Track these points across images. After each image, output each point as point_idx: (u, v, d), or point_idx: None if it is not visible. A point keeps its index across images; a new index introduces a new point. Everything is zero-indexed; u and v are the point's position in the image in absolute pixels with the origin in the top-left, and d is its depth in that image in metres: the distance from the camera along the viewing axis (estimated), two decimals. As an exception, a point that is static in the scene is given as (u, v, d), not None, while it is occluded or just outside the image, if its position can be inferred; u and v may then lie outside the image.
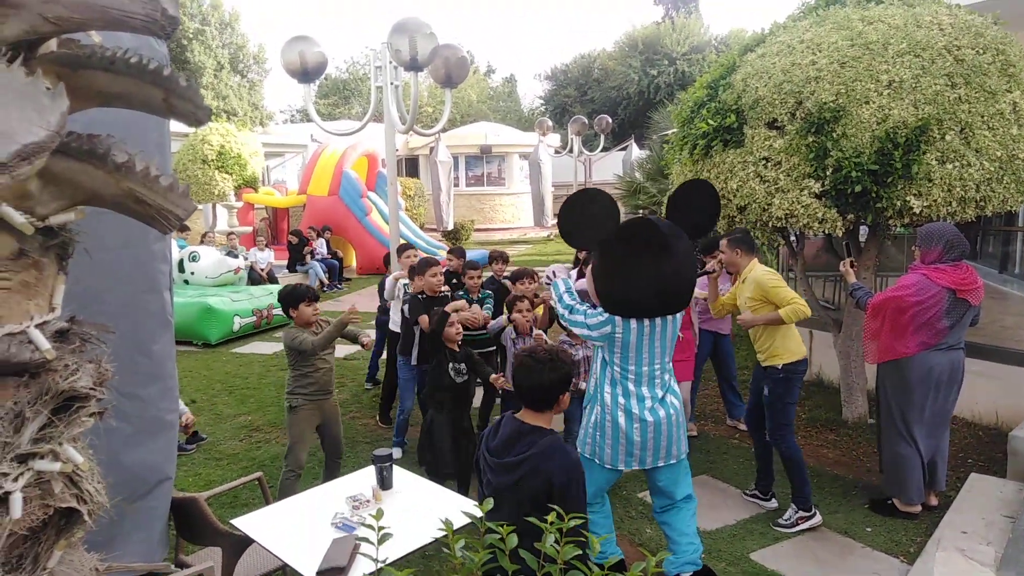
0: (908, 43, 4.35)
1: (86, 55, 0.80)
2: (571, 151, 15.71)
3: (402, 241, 6.20)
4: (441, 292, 4.68)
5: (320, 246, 12.75)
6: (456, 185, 22.82)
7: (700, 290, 5.05)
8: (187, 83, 0.86)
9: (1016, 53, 4.41)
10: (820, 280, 7.60)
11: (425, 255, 5.19)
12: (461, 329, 4.00)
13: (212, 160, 14.65)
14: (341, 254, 14.16)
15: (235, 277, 10.00)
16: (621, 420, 3.06)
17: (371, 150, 15.68)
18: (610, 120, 15.29)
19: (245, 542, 2.40)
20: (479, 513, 2.78)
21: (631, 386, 3.07)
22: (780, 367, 3.92)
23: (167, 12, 0.77)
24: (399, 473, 2.98)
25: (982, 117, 4.20)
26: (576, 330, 3.19)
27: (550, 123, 16.70)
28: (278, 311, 9.37)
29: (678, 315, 3.15)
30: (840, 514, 3.97)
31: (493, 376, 4.06)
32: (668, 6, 39.92)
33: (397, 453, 5.03)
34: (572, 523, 1.52)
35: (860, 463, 4.69)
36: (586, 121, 15.05)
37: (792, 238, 5.54)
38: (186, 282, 9.80)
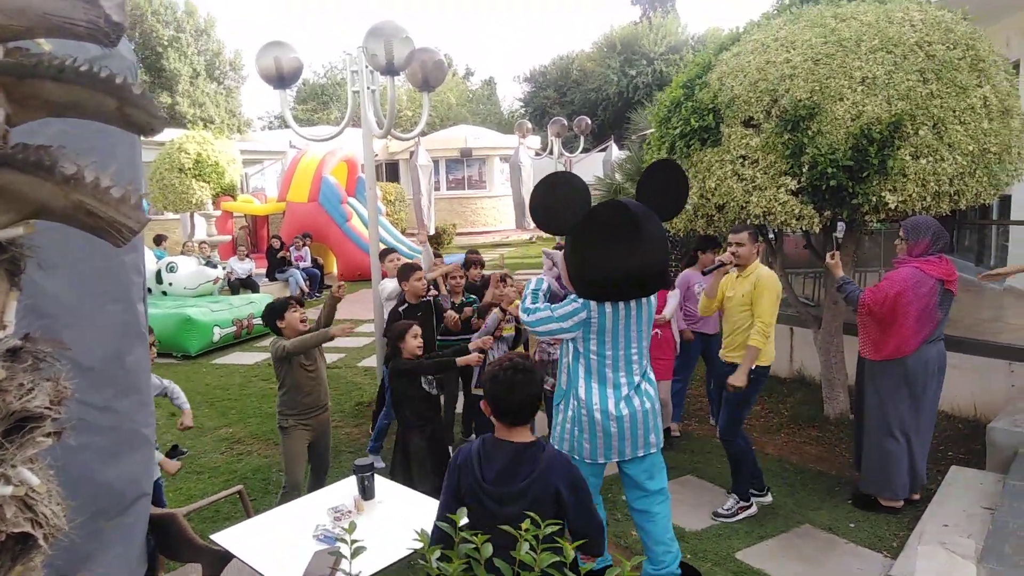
0: (880, 39, 4.39)
1: (32, 64, 0.77)
2: (551, 153, 15.71)
3: (383, 246, 6.17)
4: (425, 298, 4.65)
5: (305, 255, 12.63)
6: (437, 189, 22.79)
7: (698, 286, 5.05)
8: (141, 92, 0.84)
9: (985, 48, 4.48)
10: (800, 277, 7.66)
11: (407, 260, 5.16)
12: (422, 343, 3.90)
13: (189, 168, 14.51)
14: (322, 261, 14.07)
15: (214, 287, 9.89)
16: (597, 413, 3.03)
17: (351, 155, 15.60)
18: (589, 121, 15.31)
19: (225, 557, 2.36)
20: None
21: (608, 372, 3.03)
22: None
23: (111, 19, 0.74)
24: (382, 483, 2.95)
25: (954, 112, 4.25)
26: (541, 328, 3.10)
27: (529, 125, 16.69)
28: (258, 320, 9.30)
29: (652, 298, 3.13)
30: (824, 511, 3.99)
31: (463, 359, 3.99)
32: (645, 6, 40.17)
33: (379, 463, 4.98)
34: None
35: (843, 459, 4.72)
36: (565, 123, 15.05)
37: (771, 236, 5.58)
38: (164, 293, 9.68)
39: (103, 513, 2.14)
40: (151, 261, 9.97)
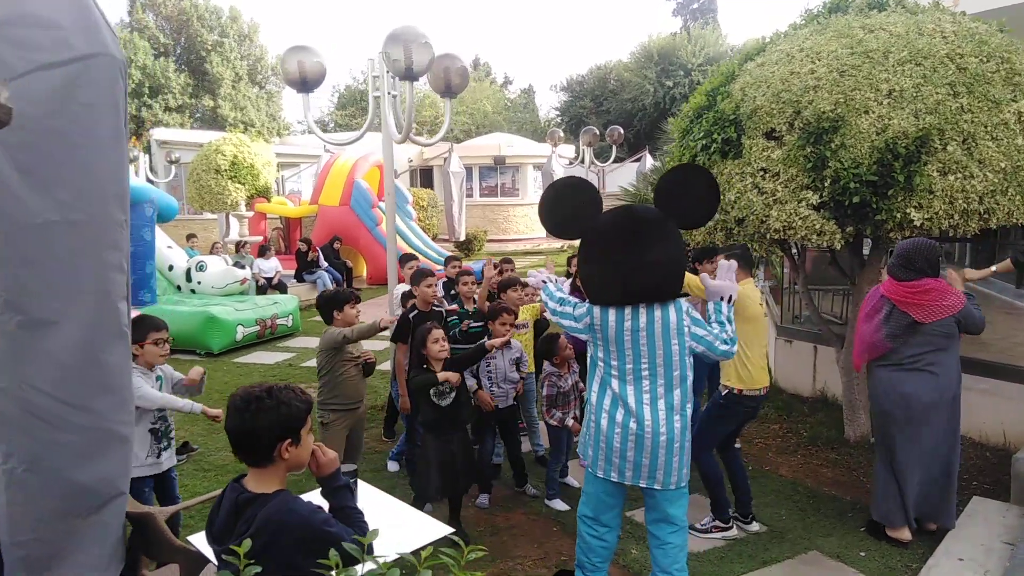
0: (909, 51, 4.24)
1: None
2: (583, 162, 15.63)
3: (408, 249, 6.19)
4: (435, 307, 4.62)
5: (320, 257, 12.74)
6: (470, 196, 22.88)
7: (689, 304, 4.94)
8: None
9: (1021, 61, 4.29)
10: (828, 295, 7.44)
11: (415, 265, 5.13)
12: (446, 346, 3.88)
13: (225, 170, 14.80)
14: (351, 264, 14.19)
15: (242, 287, 10.02)
16: (604, 422, 2.95)
17: (382, 160, 15.74)
18: (622, 131, 15.19)
19: (202, 560, 2.34)
20: (443, 532, 2.70)
21: (615, 384, 2.93)
22: (723, 392, 3.89)
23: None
24: (365, 491, 2.90)
25: (985, 127, 4.08)
26: (565, 323, 3.10)
27: (561, 134, 16.64)
28: (282, 321, 9.40)
29: (672, 312, 2.89)
30: (834, 537, 3.83)
31: (488, 343, 4.04)
32: (686, 17, 39.89)
33: (393, 467, 4.97)
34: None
35: (859, 484, 4.54)
36: (597, 132, 14.95)
37: (794, 251, 5.42)
38: (193, 291, 9.84)
39: (78, 512, 2.14)
40: (182, 259, 10.16)
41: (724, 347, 2.96)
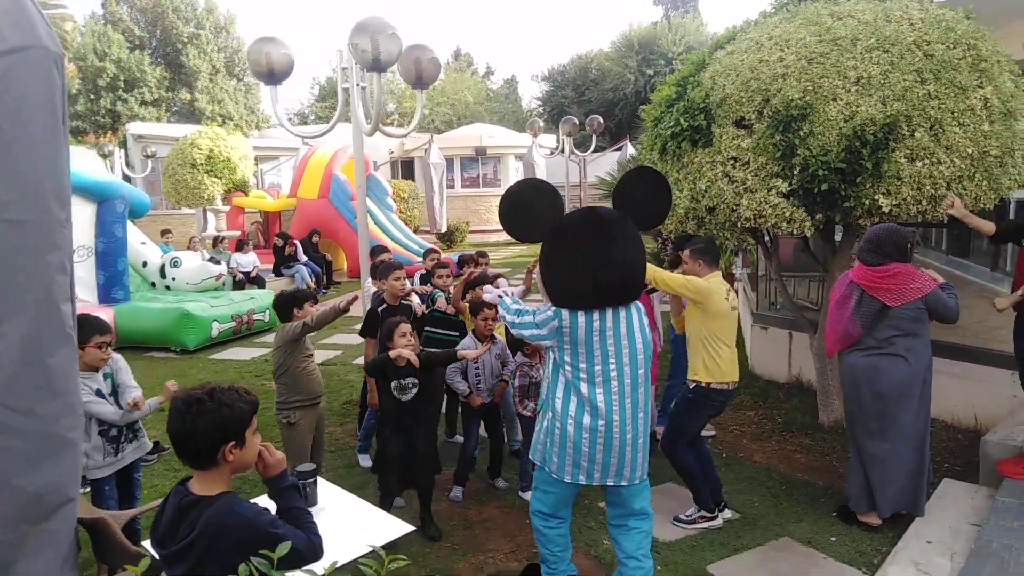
0: (877, 38, 4.23)
1: None
2: (563, 152, 15.59)
3: (380, 244, 6.14)
4: (404, 301, 4.57)
5: (298, 252, 12.60)
6: (451, 187, 22.78)
7: (660, 302, 4.96)
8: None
9: (988, 48, 4.29)
10: (803, 281, 7.47)
11: (386, 258, 5.07)
12: (413, 341, 3.83)
13: (201, 164, 14.60)
14: (330, 257, 14.08)
15: (218, 283, 9.92)
16: (570, 428, 2.92)
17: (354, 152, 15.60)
18: (601, 120, 15.14)
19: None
20: (403, 531, 2.67)
21: (584, 387, 2.91)
22: (691, 385, 3.89)
23: None
24: (326, 489, 2.87)
25: (952, 113, 4.08)
26: (526, 332, 3.05)
27: (541, 123, 16.60)
28: (259, 316, 9.31)
29: (634, 312, 2.96)
30: (806, 523, 3.85)
31: (461, 352, 4.00)
32: (667, 6, 39.83)
33: (365, 461, 4.93)
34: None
35: (832, 469, 4.57)
36: (576, 122, 14.90)
37: (766, 239, 5.43)
38: (168, 288, 9.73)
39: (27, 519, 2.09)
40: (156, 255, 10.03)
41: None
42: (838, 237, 5.28)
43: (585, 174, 21.95)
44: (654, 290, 4.86)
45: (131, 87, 25.94)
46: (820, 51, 4.28)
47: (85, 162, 9.01)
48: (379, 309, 4.43)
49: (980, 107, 4.13)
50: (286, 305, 3.97)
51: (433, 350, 4.01)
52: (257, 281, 11.75)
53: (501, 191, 20.95)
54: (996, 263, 8.38)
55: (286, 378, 3.87)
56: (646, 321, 3.01)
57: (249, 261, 12.02)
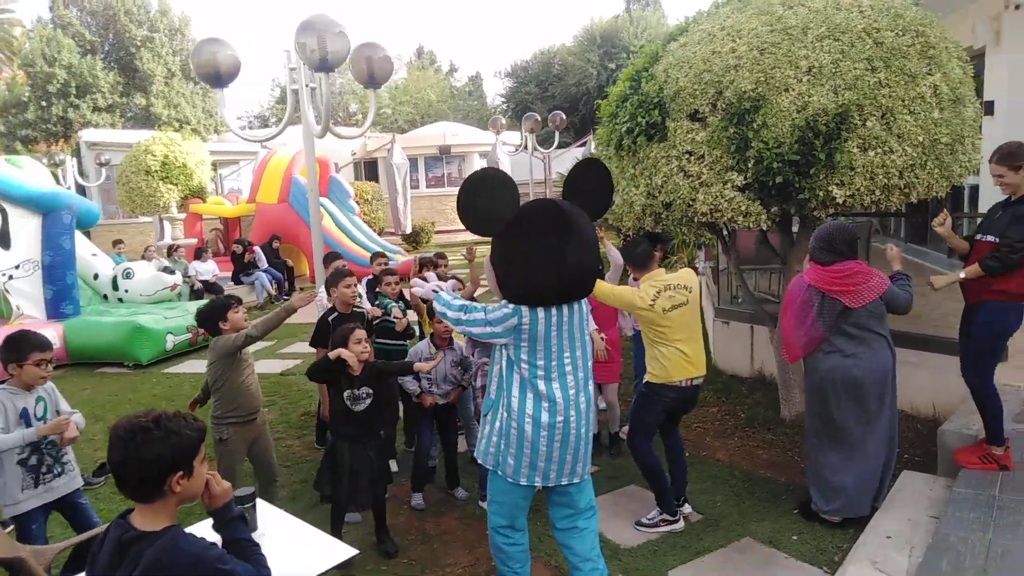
0: (827, 27, 4.19)
1: None
2: (527, 149, 15.50)
3: (332, 252, 5.97)
4: (357, 308, 4.42)
5: (259, 258, 12.30)
6: (415, 187, 22.59)
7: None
8: None
9: (936, 34, 4.28)
10: (765, 273, 7.46)
11: (339, 265, 4.90)
12: (368, 348, 3.70)
13: (156, 171, 14.22)
14: (292, 263, 13.81)
15: (172, 294, 9.62)
16: (527, 427, 2.82)
17: (322, 155, 15.32)
18: (564, 116, 15.09)
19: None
20: (347, 555, 2.54)
21: (541, 384, 2.81)
22: (646, 382, 3.87)
23: None
24: (268, 511, 2.73)
25: (903, 101, 4.06)
26: (475, 330, 2.91)
27: (503, 121, 16.48)
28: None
29: (583, 302, 2.93)
30: (767, 522, 3.80)
31: (417, 365, 3.90)
32: (630, 0, 39.94)
33: None
34: None
35: (794, 464, 4.53)
36: (539, 118, 14.82)
37: (724, 233, 5.38)
38: (120, 300, 9.42)
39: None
40: (108, 267, 9.71)
41: None
42: (796, 228, 5.26)
43: (550, 170, 21.89)
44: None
45: (83, 93, 25.20)
46: (772, 41, 4.23)
47: (29, 172, 8.67)
48: (330, 318, 4.27)
49: (930, 95, 4.11)
50: (208, 320, 3.78)
51: (388, 361, 3.89)
52: (215, 290, 11.44)
53: (466, 190, 20.68)
54: (952, 250, 8.49)
55: (223, 392, 3.70)
56: (586, 312, 3.01)
57: (208, 269, 11.72)
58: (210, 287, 11.38)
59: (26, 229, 8.11)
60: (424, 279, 5.22)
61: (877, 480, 3.68)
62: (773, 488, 4.22)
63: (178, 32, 28.29)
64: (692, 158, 4.44)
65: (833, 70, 4.07)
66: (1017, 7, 6.83)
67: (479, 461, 3.07)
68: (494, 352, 2.97)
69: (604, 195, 3.04)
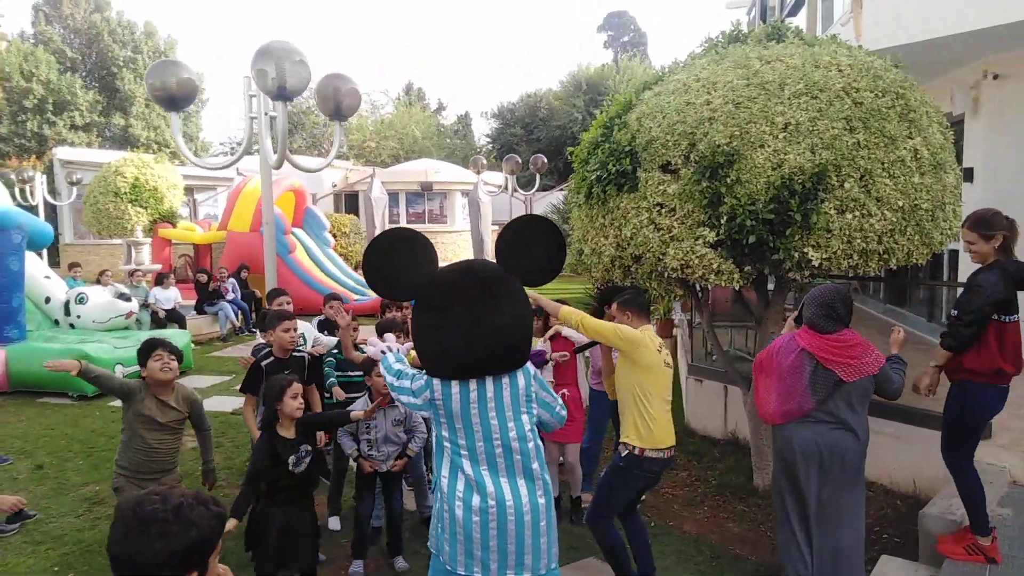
0: (805, 83, 4.05)
1: None
2: (506, 189, 15.40)
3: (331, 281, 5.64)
4: (296, 353, 4.10)
5: (232, 288, 11.93)
6: (396, 221, 22.36)
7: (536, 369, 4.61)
8: None
9: (916, 98, 4.16)
10: (742, 330, 7.25)
11: (282, 303, 4.58)
12: (303, 403, 3.40)
13: (125, 193, 13.87)
14: (260, 294, 13.41)
15: (128, 321, 9.20)
16: (458, 510, 2.52)
17: (297, 185, 15.09)
18: (545, 160, 15.06)
19: None
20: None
21: (466, 465, 2.53)
22: (623, 452, 3.49)
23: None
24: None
25: (882, 164, 3.90)
26: (404, 399, 2.68)
27: (484, 160, 16.39)
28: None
29: (520, 378, 2.62)
30: (733, 610, 3.50)
31: (354, 413, 3.64)
32: (617, 49, 40.64)
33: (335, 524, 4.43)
34: None
35: (766, 540, 4.24)
36: (519, 160, 14.77)
37: (697, 289, 5.17)
38: (72, 326, 8.97)
39: None
40: (61, 291, 9.29)
41: (562, 412, 2.79)
42: (771, 286, 5.05)
43: (531, 212, 21.79)
44: (585, 347, 4.50)
45: (60, 110, 24.85)
46: (748, 95, 4.07)
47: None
48: (263, 363, 3.95)
49: (910, 158, 3.97)
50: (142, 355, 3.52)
51: (320, 412, 3.58)
52: (177, 319, 11.02)
53: (448, 228, 20.73)
54: (932, 313, 8.37)
55: (124, 437, 3.44)
56: (533, 387, 2.66)
57: (169, 297, 11.26)
58: (172, 315, 10.96)
59: (-29, 249, 7.71)
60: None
61: (839, 568, 3.36)
62: (742, 568, 3.92)
63: (163, 54, 28.12)
64: (663, 211, 4.24)
65: (810, 128, 3.91)
66: (995, 77, 6.84)
67: (428, 545, 2.76)
68: (433, 425, 2.71)
69: (548, 257, 2.74)
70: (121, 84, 26.19)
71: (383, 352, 2.87)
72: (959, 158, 4.49)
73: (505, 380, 2.55)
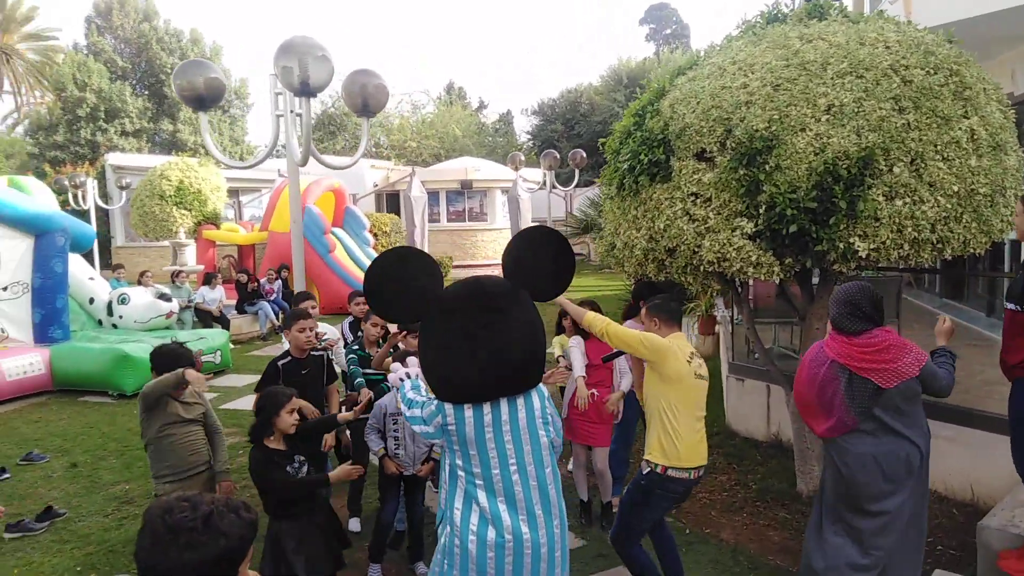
0: (850, 62, 3.77)
1: None
2: (544, 186, 15.20)
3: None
4: (314, 352, 3.99)
5: (276, 288, 12.05)
6: (436, 220, 22.40)
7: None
8: None
9: (972, 74, 3.84)
10: (786, 327, 6.93)
11: (299, 306, 4.49)
12: (298, 418, 3.28)
13: (170, 196, 14.15)
14: (300, 293, 13.53)
15: (168, 321, 9.35)
16: (471, 546, 2.39)
17: (337, 185, 15.19)
18: (584, 155, 14.75)
19: None
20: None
21: (481, 496, 2.40)
22: (645, 469, 3.26)
23: None
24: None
25: (935, 146, 3.60)
26: (417, 428, 2.57)
27: (522, 158, 16.21)
28: (208, 358, 8.72)
29: (535, 401, 2.51)
30: (771, 626, 3.27)
31: (340, 416, 3.54)
32: (659, 42, 40.02)
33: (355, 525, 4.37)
34: None
35: (809, 551, 3.98)
36: (557, 156, 14.53)
37: (736, 283, 4.91)
38: (115, 326, 9.16)
39: None
40: (105, 292, 9.50)
41: (558, 439, 2.63)
42: (816, 280, 4.77)
43: (571, 208, 21.56)
44: (612, 356, 4.27)
45: (112, 117, 25.62)
46: (787, 76, 3.82)
47: (24, 193, 8.53)
48: (280, 363, 3.85)
49: (966, 139, 3.65)
50: (160, 362, 3.45)
51: (307, 420, 3.46)
52: (220, 319, 11.17)
53: (488, 225, 20.60)
54: (992, 307, 7.86)
55: (153, 447, 3.35)
56: (548, 409, 2.55)
57: (216, 296, 11.45)
58: (217, 317, 11.11)
59: (16, 250, 7.91)
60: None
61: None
62: (781, 579, 3.68)
63: (208, 61, 28.81)
64: (698, 201, 4.01)
65: (856, 109, 3.64)
66: (1062, 51, 6.37)
67: None
68: (442, 454, 2.58)
69: (556, 270, 2.64)
70: (169, 91, 26.87)
71: (400, 380, 2.76)
72: (1021, 139, 4.13)
73: (520, 401, 2.43)
